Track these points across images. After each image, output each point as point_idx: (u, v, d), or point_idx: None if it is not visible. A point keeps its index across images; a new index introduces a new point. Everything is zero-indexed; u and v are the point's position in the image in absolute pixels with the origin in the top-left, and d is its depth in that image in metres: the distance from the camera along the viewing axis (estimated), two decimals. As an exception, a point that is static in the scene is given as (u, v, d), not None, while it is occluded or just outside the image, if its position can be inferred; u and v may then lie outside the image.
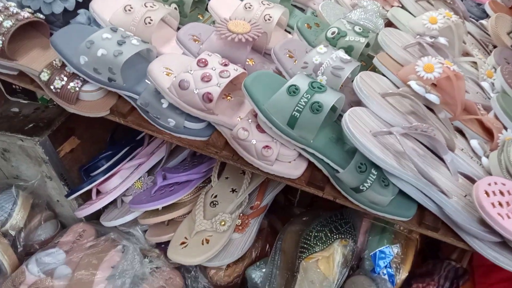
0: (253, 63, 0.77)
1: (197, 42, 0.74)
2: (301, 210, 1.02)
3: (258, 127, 0.66)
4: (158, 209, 0.91)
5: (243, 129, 0.66)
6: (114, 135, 1.01)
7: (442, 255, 0.92)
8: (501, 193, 0.61)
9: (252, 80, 0.65)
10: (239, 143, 0.68)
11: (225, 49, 0.70)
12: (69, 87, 0.71)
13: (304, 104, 0.61)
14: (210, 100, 0.64)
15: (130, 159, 0.96)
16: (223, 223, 0.85)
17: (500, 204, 0.59)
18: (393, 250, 0.81)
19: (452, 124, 0.74)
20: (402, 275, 0.83)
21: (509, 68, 0.81)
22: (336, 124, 0.70)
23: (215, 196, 0.92)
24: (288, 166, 0.69)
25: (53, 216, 1.01)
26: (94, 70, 0.70)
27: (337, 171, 0.66)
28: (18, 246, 0.91)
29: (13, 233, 0.89)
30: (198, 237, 0.86)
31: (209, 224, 0.86)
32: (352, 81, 0.71)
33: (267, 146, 0.66)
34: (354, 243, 0.82)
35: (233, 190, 0.92)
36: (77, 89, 0.71)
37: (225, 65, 0.67)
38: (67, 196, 0.91)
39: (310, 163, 0.70)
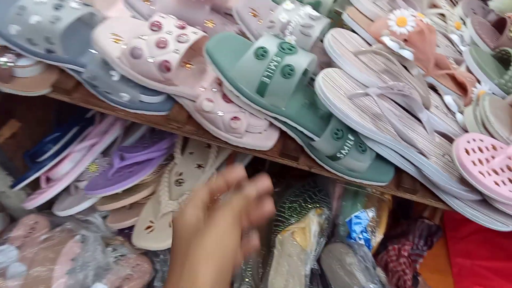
0: (213, 24, 0.69)
1: (147, 2, 0.65)
2: (272, 180, 0.98)
3: (224, 96, 0.60)
4: (117, 192, 0.83)
5: (207, 100, 0.59)
6: (60, 115, 0.90)
7: (414, 213, 0.92)
8: (480, 150, 0.59)
9: (215, 44, 0.58)
10: (204, 116, 0.61)
11: (181, 9, 0.62)
12: (0, 62, 0.61)
13: (274, 68, 0.55)
14: (168, 69, 0.57)
15: (81, 141, 0.87)
16: (191, 202, 0.79)
17: (480, 161, 0.58)
18: (368, 214, 0.80)
19: (425, 80, 0.72)
20: (378, 238, 0.82)
21: (479, 19, 0.78)
22: (308, 89, 0.65)
23: (180, 174, 0.85)
24: (259, 137, 0.64)
25: (1, 209, 0.91)
26: (28, 41, 0.60)
27: (312, 140, 0.61)
28: (-40, 247, 0.81)
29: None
30: (165, 219, 0.80)
31: (176, 205, 0.80)
32: (322, 40, 0.66)
33: (235, 117, 0.60)
34: (329, 210, 0.80)
35: (199, 166, 0.86)
36: (10, 64, 0.61)
37: (182, 27, 0.59)
38: (12, 186, 0.81)
39: (282, 133, 0.65)
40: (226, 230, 0.40)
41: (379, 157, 0.63)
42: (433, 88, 0.72)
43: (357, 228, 0.79)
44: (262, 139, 0.64)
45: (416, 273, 0.79)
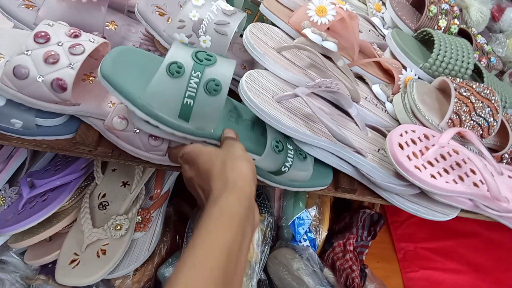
0: (115, 26, 0.61)
1: (31, 8, 0.55)
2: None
3: (138, 111, 0.52)
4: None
5: (119, 118, 0.52)
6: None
7: (355, 203, 0.91)
8: (413, 142, 0.57)
9: (111, 64, 0.47)
10: (118, 135, 0.53)
11: (72, 13, 0.54)
12: None
13: (195, 86, 0.46)
14: (63, 89, 0.48)
15: (-20, 172, 0.74)
16: (118, 227, 0.71)
17: (415, 155, 0.56)
18: (310, 213, 0.77)
19: (352, 71, 0.69)
20: (322, 235, 0.79)
21: (398, 0, 0.77)
22: (229, 99, 0.57)
23: (104, 196, 0.76)
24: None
25: None
26: None
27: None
28: None
29: None
30: (91, 249, 0.71)
31: (101, 232, 0.71)
32: (241, 35, 0.60)
33: (153, 136, 0.53)
34: (270, 216, 0.75)
35: (124, 184, 0.78)
36: None
37: (76, 36, 0.50)
38: None
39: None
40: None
41: (315, 160, 0.59)
42: (360, 78, 0.70)
43: (301, 230, 0.76)
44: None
45: (363, 265, 0.78)
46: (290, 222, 0.76)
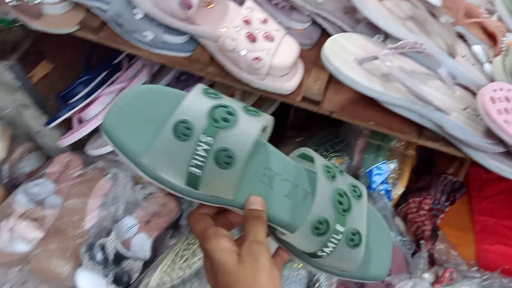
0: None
1: None
2: (294, 132, 0.99)
3: (249, 35, 0.59)
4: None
5: (230, 39, 0.59)
6: (89, 60, 0.93)
7: (438, 171, 0.90)
8: (507, 99, 0.56)
9: (117, 115, 0.40)
10: (227, 56, 0.61)
11: None
12: (27, -1, 0.63)
13: (204, 154, 0.37)
14: (189, 7, 0.57)
15: (110, 84, 0.89)
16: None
17: (506, 110, 0.55)
18: (390, 166, 0.79)
19: (454, 29, 0.68)
20: (399, 190, 0.82)
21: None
22: (269, 149, 0.45)
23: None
24: (280, 80, 0.63)
25: (35, 148, 0.97)
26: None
27: (281, 233, 0.44)
28: (3, 178, 0.87)
29: (-5, 165, 0.85)
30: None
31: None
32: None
33: (257, 58, 0.60)
34: (349, 160, 0.79)
35: (222, 113, 0.87)
36: (38, 1, 0.63)
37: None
38: (46, 124, 0.85)
39: (305, 75, 0.65)
40: (268, 264, 0.38)
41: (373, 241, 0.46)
42: (461, 37, 0.69)
43: (378, 179, 0.79)
44: (284, 82, 0.63)
45: (436, 227, 0.79)
46: (368, 170, 0.79)
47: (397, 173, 0.81)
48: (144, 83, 0.92)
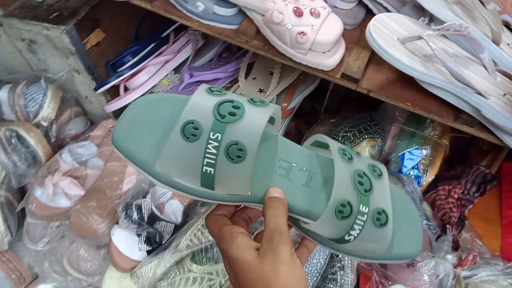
0: None
1: None
2: (328, 115, 1.01)
3: (296, 10, 0.62)
4: (185, 106, 0.91)
5: (277, 12, 0.62)
6: (139, 32, 0.98)
7: (471, 163, 0.90)
8: (550, 86, 0.57)
9: (125, 129, 0.40)
10: (273, 29, 0.64)
11: None
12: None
13: (215, 151, 0.37)
14: (243, -22, 0.60)
15: (157, 56, 0.94)
16: (250, 120, 0.85)
17: (548, 97, 0.56)
18: (422, 152, 0.80)
19: (500, 17, 0.68)
20: (429, 177, 0.82)
21: None
22: (281, 142, 0.45)
23: (243, 95, 0.90)
24: (322, 56, 0.66)
25: (82, 113, 1.03)
26: None
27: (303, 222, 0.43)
28: (51, 137, 0.93)
29: (45, 124, 0.91)
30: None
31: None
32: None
33: (302, 32, 0.62)
34: (382, 143, 0.81)
35: (260, 90, 0.91)
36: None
37: None
38: (95, 89, 0.91)
39: (346, 54, 0.67)
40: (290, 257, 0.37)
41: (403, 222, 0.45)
42: (507, 26, 0.69)
43: (409, 164, 0.80)
44: (325, 58, 0.66)
45: (463, 216, 0.80)
46: (400, 154, 0.80)
47: (429, 159, 0.82)
48: (187, 58, 0.97)
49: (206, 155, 0.37)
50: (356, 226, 0.40)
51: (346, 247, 0.42)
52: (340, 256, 0.65)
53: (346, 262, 0.64)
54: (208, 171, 0.38)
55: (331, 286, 0.62)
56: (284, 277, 0.36)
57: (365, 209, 0.39)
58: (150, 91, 0.93)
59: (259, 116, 0.38)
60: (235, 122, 0.37)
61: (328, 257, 0.65)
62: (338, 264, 0.64)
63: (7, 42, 0.92)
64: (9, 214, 0.94)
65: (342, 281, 0.62)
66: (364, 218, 0.39)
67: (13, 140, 0.87)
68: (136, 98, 0.44)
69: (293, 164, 0.44)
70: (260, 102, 0.40)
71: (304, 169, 0.44)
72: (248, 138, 0.37)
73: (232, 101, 0.38)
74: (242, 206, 0.44)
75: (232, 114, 0.37)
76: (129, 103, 0.90)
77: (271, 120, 0.45)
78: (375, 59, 0.68)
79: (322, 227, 0.41)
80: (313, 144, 0.48)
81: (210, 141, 0.37)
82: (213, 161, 0.37)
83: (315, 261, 0.65)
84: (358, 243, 0.41)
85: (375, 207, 0.40)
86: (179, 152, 0.38)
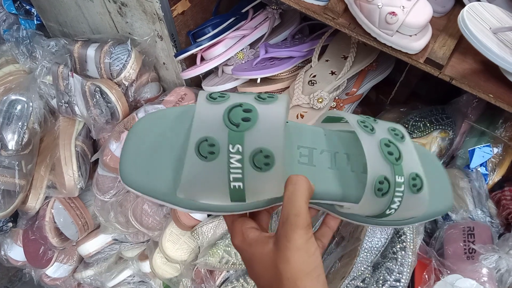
0: None
1: None
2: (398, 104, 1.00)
3: (388, -11, 0.63)
4: (256, 81, 0.94)
5: (370, -10, 0.63)
6: (219, 6, 1.02)
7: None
8: None
9: (131, 162, 0.38)
10: (362, 7, 0.66)
11: None
12: None
13: (239, 165, 0.34)
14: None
15: (235, 30, 0.97)
16: (320, 100, 0.87)
17: None
18: (493, 149, 0.79)
19: None
20: (496, 177, 0.81)
21: None
22: (293, 129, 0.43)
23: (314, 76, 0.92)
24: (408, 39, 0.66)
25: (157, 79, 1.08)
26: None
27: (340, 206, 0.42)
28: (129, 97, 1.00)
29: (126, 83, 0.98)
30: (293, 111, 0.89)
31: (306, 99, 0.88)
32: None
33: (393, 12, 0.63)
34: (453, 135, 0.80)
35: (332, 73, 0.92)
36: None
37: None
38: (175, 56, 0.96)
39: (432, 40, 0.67)
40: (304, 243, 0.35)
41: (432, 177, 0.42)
42: None
43: (477, 160, 0.79)
44: (411, 42, 0.66)
45: (529, 219, 0.78)
46: (470, 149, 0.79)
47: (498, 158, 0.80)
48: (263, 35, 1.00)
49: (231, 170, 0.34)
50: (396, 199, 0.38)
51: (385, 220, 0.41)
52: (402, 237, 0.65)
53: (408, 243, 0.64)
54: (237, 187, 0.35)
55: (391, 264, 0.64)
56: (296, 265, 0.33)
57: (401, 178, 0.37)
58: (225, 63, 0.97)
59: (274, 113, 0.35)
60: (252, 127, 0.34)
61: (389, 236, 0.66)
62: (399, 245, 0.65)
63: (98, 3, 0.99)
64: (83, 164, 1.02)
65: (403, 260, 0.63)
66: (402, 189, 0.37)
67: (96, 95, 0.94)
68: (132, 126, 0.41)
69: (314, 148, 0.41)
70: (268, 97, 0.36)
71: (325, 150, 0.41)
72: (272, 141, 0.34)
73: (240, 105, 0.35)
74: None
75: (246, 119, 0.34)
76: (204, 72, 0.96)
77: None
78: (460, 48, 0.68)
79: (363, 208, 0.39)
80: (324, 121, 0.45)
81: (231, 155, 0.34)
82: (240, 175, 0.34)
83: (376, 239, 0.67)
84: (398, 213, 0.39)
85: (409, 174, 0.38)
86: (200, 175, 0.35)
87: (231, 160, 0.34)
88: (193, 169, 0.34)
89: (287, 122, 0.42)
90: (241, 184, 0.35)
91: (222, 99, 0.36)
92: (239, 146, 0.33)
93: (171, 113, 0.40)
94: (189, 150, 0.34)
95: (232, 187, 0.35)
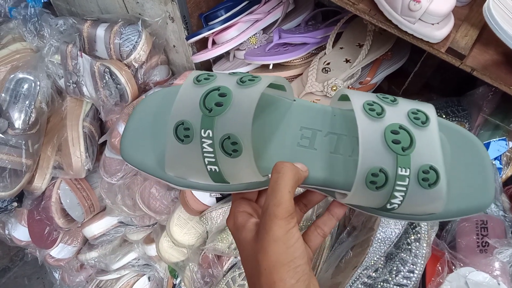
0: None
1: None
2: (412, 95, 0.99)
3: (414, -26, 0.61)
4: (269, 67, 0.92)
5: (395, -25, 0.62)
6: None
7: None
8: None
9: (130, 139, 0.40)
10: (385, -7, 0.64)
11: None
12: None
13: (211, 150, 0.34)
14: None
15: (248, 14, 0.95)
16: (334, 87, 0.85)
17: None
18: (509, 143, 0.78)
19: None
20: (510, 171, 0.80)
21: None
22: (298, 108, 0.41)
23: (328, 63, 0.91)
24: (431, 27, 0.65)
25: (166, 62, 1.07)
26: None
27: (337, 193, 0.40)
28: (139, 79, 0.98)
29: (136, 65, 0.96)
30: (306, 98, 0.88)
31: (320, 87, 0.86)
32: None
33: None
34: (469, 128, 0.79)
35: (347, 61, 0.91)
36: None
37: None
38: (187, 38, 0.94)
39: (454, 30, 0.66)
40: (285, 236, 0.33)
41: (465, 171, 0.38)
42: None
43: (493, 154, 0.78)
44: (433, 30, 0.65)
45: (541, 215, 0.77)
46: (485, 142, 0.78)
47: (513, 152, 0.79)
48: (276, 20, 0.98)
49: (205, 154, 0.35)
50: (396, 194, 0.34)
51: (394, 213, 0.38)
52: (417, 228, 0.65)
53: (423, 234, 0.64)
54: (213, 170, 0.35)
55: (404, 255, 0.63)
56: (273, 255, 0.32)
57: (406, 171, 0.33)
58: (237, 48, 0.96)
59: (247, 99, 0.34)
60: (223, 113, 0.33)
61: (403, 227, 0.65)
62: (414, 236, 0.65)
63: (109, -17, 0.97)
64: (90, 145, 1.01)
65: (417, 252, 0.62)
66: (406, 183, 0.33)
67: (106, 76, 0.92)
68: (139, 103, 0.42)
69: (318, 130, 0.39)
70: (250, 80, 0.35)
71: (330, 132, 0.39)
72: (239, 128, 0.33)
73: (218, 89, 0.34)
74: None
75: (218, 104, 0.34)
76: (212, 57, 0.94)
77: (281, 88, 0.40)
78: (482, 38, 0.66)
79: (358, 199, 0.36)
80: (341, 99, 0.42)
81: (203, 139, 0.34)
82: (213, 159, 0.35)
83: (389, 230, 0.66)
84: (405, 208, 0.36)
85: (419, 166, 0.33)
86: (180, 156, 0.36)
87: (204, 145, 0.34)
88: (172, 151, 0.36)
89: (294, 100, 0.41)
90: (216, 167, 0.35)
91: (206, 81, 0.36)
92: (210, 131, 0.34)
93: (175, 91, 0.40)
94: (169, 132, 0.35)
95: (209, 169, 0.36)
